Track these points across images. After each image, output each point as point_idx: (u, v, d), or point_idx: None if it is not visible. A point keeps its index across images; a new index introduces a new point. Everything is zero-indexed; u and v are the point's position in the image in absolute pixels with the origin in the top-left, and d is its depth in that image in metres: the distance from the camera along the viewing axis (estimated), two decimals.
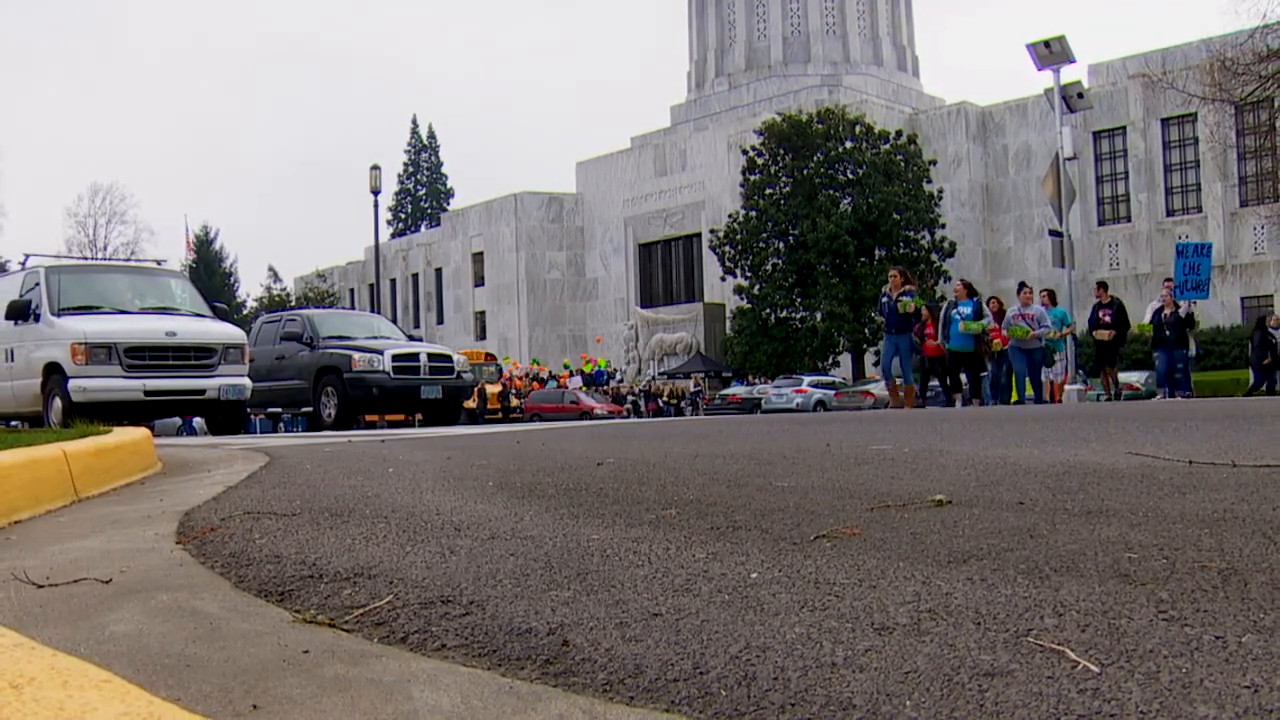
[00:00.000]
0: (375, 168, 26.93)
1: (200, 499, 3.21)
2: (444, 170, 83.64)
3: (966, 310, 14.42)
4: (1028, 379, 15.57)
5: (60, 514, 3.05)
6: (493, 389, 32.38)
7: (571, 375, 41.92)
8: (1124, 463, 3.04)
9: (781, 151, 40.20)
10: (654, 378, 42.67)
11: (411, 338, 16.71)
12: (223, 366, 11.26)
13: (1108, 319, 16.79)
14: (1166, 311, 16.71)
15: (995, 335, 14.89)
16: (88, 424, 5.51)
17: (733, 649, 1.30)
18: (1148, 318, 17.27)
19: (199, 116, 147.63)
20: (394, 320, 34.56)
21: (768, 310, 39.72)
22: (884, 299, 14.08)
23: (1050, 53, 17.35)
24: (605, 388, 40.15)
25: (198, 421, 16.91)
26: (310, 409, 13.77)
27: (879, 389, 27.11)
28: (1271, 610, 1.33)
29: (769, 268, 39.26)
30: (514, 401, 33.48)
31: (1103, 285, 17.56)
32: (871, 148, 39.66)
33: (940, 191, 40.80)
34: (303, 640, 1.50)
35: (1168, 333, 16.67)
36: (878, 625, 1.37)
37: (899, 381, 14.19)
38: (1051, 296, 16.45)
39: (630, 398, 37.51)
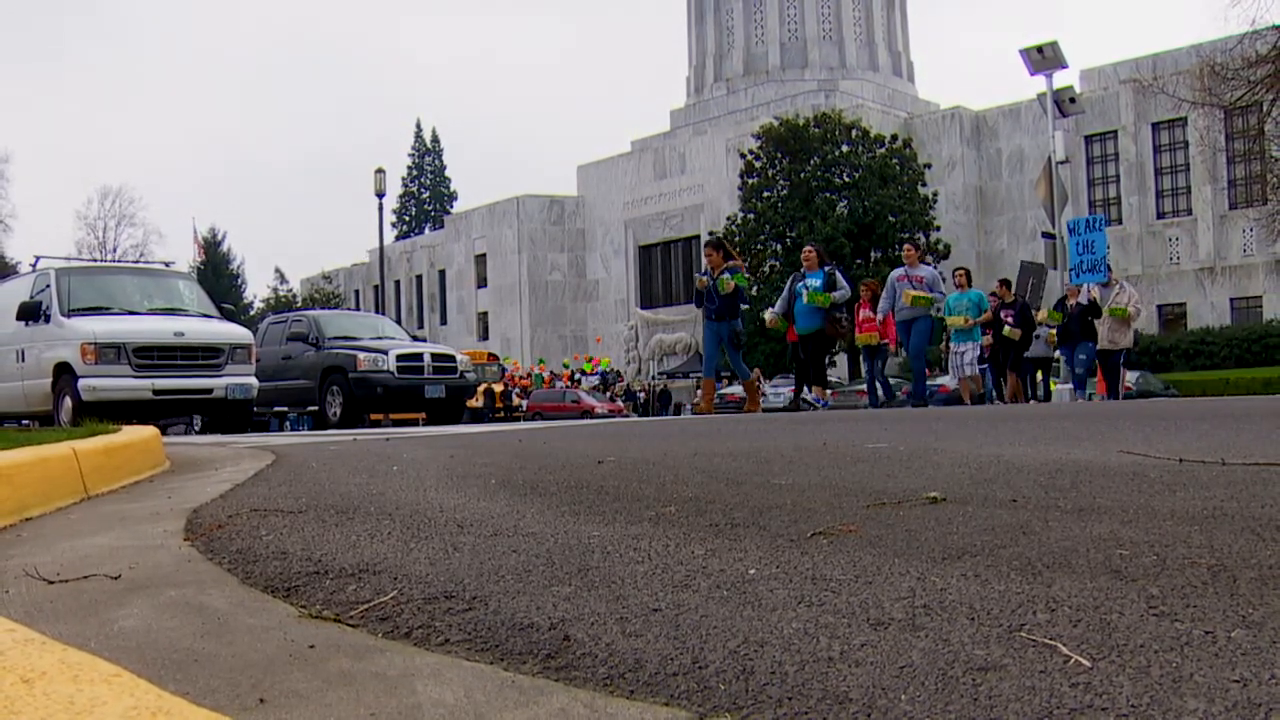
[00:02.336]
0: (380, 171, 26.94)
1: (208, 496, 3.21)
2: (447, 173, 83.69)
3: (815, 282, 11.84)
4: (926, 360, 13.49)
5: (70, 511, 3.05)
6: (499, 389, 32.43)
7: (585, 375, 41.93)
8: (1115, 461, 3.04)
9: (779, 155, 40.21)
10: (654, 377, 42.67)
11: (415, 338, 16.72)
12: (230, 366, 11.26)
13: (1009, 320, 15.15)
14: (1071, 301, 14.75)
15: (870, 328, 12.82)
16: (97, 423, 5.50)
17: (731, 644, 1.30)
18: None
19: (207, 120, 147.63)
20: (398, 321, 34.58)
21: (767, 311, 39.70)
22: (706, 276, 11.42)
23: (1043, 58, 17.36)
24: (615, 388, 40.17)
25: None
26: (316, 408, 13.77)
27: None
28: (1260, 606, 1.33)
29: (767, 269, 39.26)
30: (515, 400, 33.51)
31: (1005, 283, 16.09)
32: (867, 151, 39.68)
33: (935, 194, 40.83)
34: (309, 635, 1.50)
35: (1071, 327, 14.61)
36: (873, 620, 1.37)
37: (751, 379, 12.11)
38: (968, 276, 14.65)
39: (641, 395, 37.57)
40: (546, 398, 35.21)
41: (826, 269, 11.89)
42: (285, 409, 14.85)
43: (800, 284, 11.98)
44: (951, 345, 14.01)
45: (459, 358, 14.44)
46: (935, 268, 14.35)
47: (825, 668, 1.19)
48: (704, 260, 11.68)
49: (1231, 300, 39.69)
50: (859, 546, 1.87)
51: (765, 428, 6.25)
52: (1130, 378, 27.38)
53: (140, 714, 0.86)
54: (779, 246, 39.44)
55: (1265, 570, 1.52)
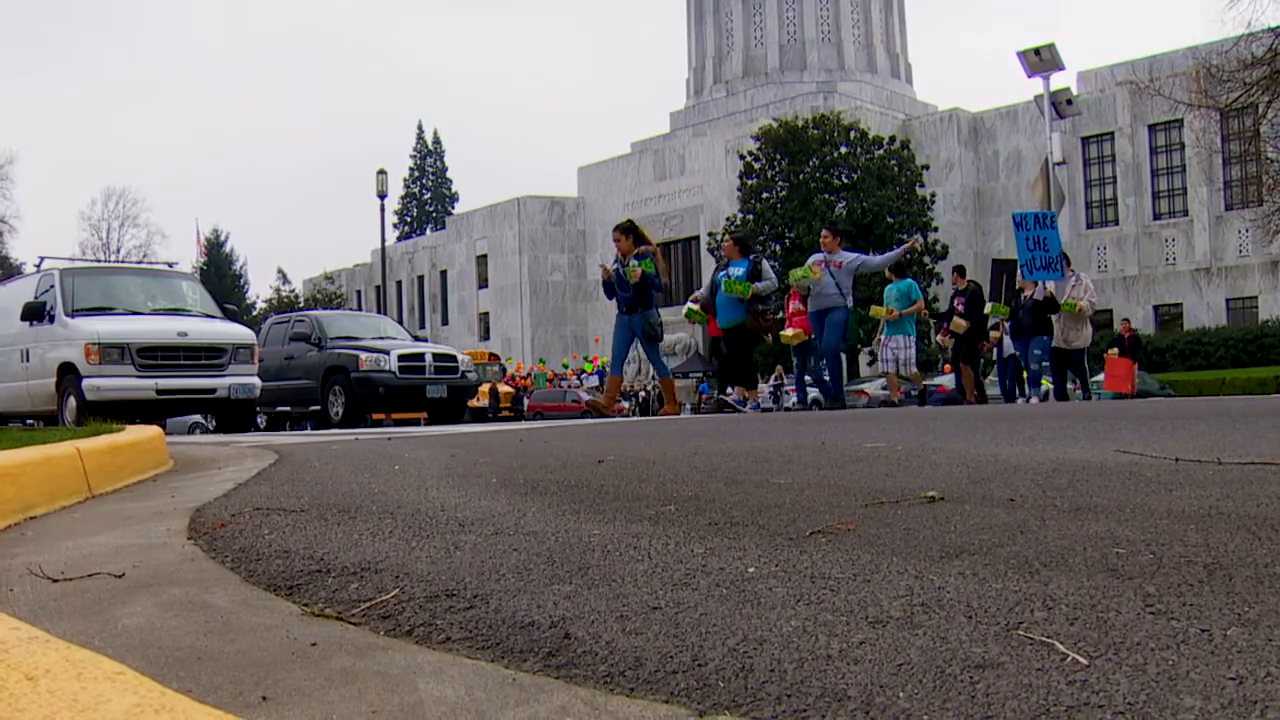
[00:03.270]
0: (382, 172, 26.96)
1: (211, 495, 3.21)
2: (449, 175, 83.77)
3: (737, 271, 10.66)
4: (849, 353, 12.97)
5: (74, 510, 3.05)
6: (505, 389, 32.46)
7: (585, 375, 41.93)
8: (1112, 460, 3.04)
9: (778, 156, 40.23)
10: (653, 377, 42.69)
11: (417, 338, 16.73)
12: (233, 366, 11.27)
13: (961, 308, 14.05)
14: (1025, 294, 13.87)
15: (799, 323, 11.64)
16: (101, 422, 5.51)
17: (730, 642, 1.30)
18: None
19: (210, 122, 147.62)
20: (400, 321, 34.59)
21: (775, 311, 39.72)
22: (615, 265, 10.24)
23: (1040, 60, 17.36)
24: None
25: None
26: (318, 407, 13.77)
27: (873, 388, 26.96)
28: (1256, 604, 1.33)
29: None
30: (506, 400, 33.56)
31: (959, 270, 14.92)
32: (866, 153, 39.70)
33: (933, 195, 40.86)
34: (311, 633, 1.50)
35: (1025, 320, 13.66)
36: (872, 618, 1.37)
37: (670, 377, 10.92)
38: (899, 269, 13.46)
39: (642, 395, 37.62)
40: (547, 397, 35.26)
41: (751, 257, 10.87)
42: (287, 409, 14.87)
43: (722, 273, 10.85)
44: (882, 338, 12.94)
45: (460, 358, 14.45)
46: (865, 254, 13.55)
47: (824, 665, 1.19)
48: (616, 245, 10.39)
49: (1227, 300, 39.70)
50: (857, 545, 1.87)
51: (764, 427, 6.25)
52: None
53: (144, 711, 0.86)
54: (778, 247, 39.45)
55: (1261, 569, 1.52)
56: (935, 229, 39.81)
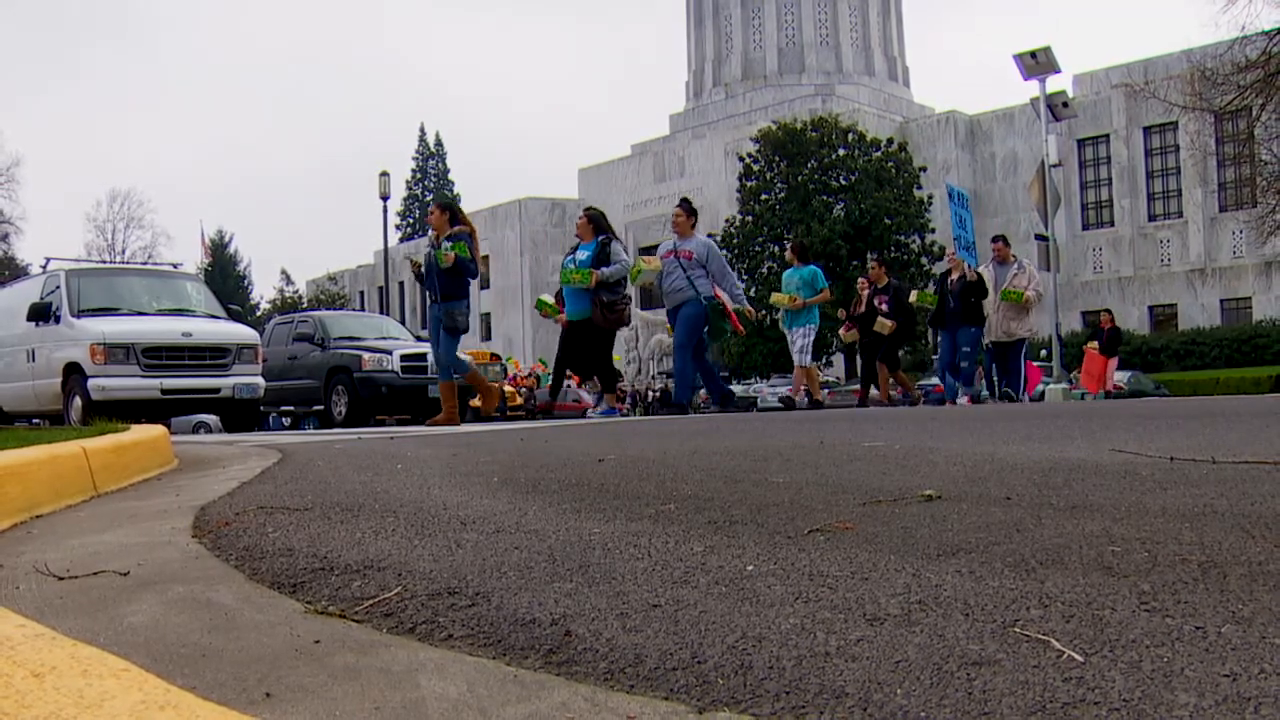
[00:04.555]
0: (384, 174, 26.97)
1: (215, 494, 3.21)
2: (451, 177, 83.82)
3: (583, 255, 9.33)
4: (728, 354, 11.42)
5: (80, 509, 3.05)
6: (509, 389, 32.49)
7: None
8: (1107, 459, 3.04)
9: (777, 159, 40.25)
10: (653, 377, 42.70)
11: (419, 339, 16.72)
12: (237, 366, 11.27)
13: (884, 307, 12.68)
14: (953, 277, 12.48)
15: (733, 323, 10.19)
16: (106, 422, 5.51)
17: (729, 639, 1.30)
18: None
19: (214, 125, 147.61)
20: (402, 322, 34.55)
21: (763, 312, 39.76)
22: (429, 250, 8.92)
23: (1036, 63, 17.38)
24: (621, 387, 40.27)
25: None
26: (322, 407, 13.78)
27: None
28: (1250, 601, 1.33)
29: (764, 271, 39.29)
30: (517, 399, 33.54)
31: (880, 262, 13.81)
32: (864, 155, 39.73)
33: (930, 197, 40.86)
34: (314, 630, 1.50)
35: (951, 304, 12.32)
36: (869, 616, 1.37)
37: (456, 378, 9.36)
38: (801, 251, 12.46)
39: (649, 394, 37.65)
40: (548, 396, 35.24)
41: (600, 239, 9.42)
42: (290, 408, 14.87)
43: (568, 258, 9.55)
44: (784, 330, 11.94)
45: (464, 358, 14.44)
46: (711, 238, 12.20)
47: (822, 662, 1.19)
48: (431, 230, 9.09)
49: (1221, 301, 39.73)
50: (855, 543, 1.87)
51: (763, 427, 6.25)
52: (1122, 377, 27.41)
53: (149, 708, 0.86)
54: (776, 248, 39.48)
55: (1255, 566, 1.52)
56: (933, 230, 39.82)
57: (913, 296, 12.79)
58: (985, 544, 1.80)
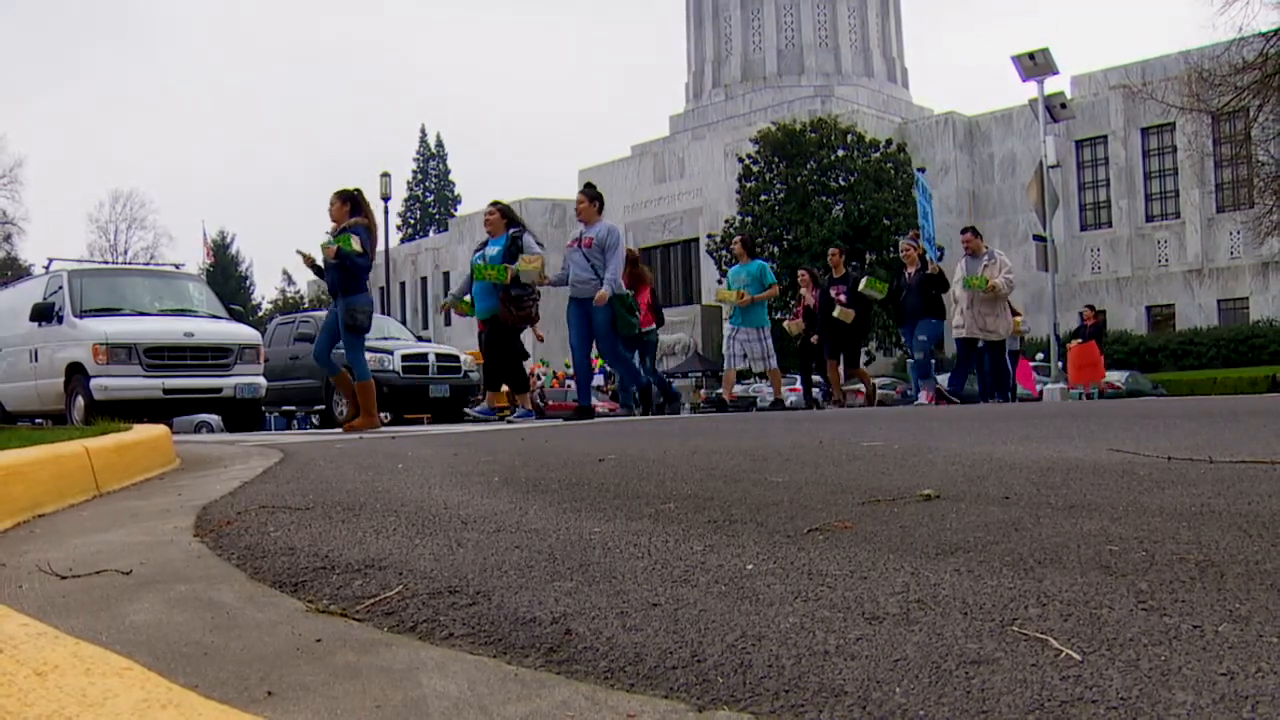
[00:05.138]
0: (385, 175, 26.97)
1: (217, 493, 3.21)
2: (451, 177, 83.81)
3: (494, 251, 8.82)
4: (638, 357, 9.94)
5: (82, 508, 3.05)
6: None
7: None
8: (1105, 459, 3.04)
9: (776, 159, 40.25)
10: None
11: (420, 339, 16.73)
12: (239, 366, 11.27)
13: (841, 298, 11.78)
14: (909, 271, 11.66)
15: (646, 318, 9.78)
16: (109, 421, 5.50)
17: (729, 638, 1.30)
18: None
19: (217, 126, 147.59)
20: (403, 322, 34.57)
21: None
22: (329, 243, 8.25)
23: (1034, 64, 17.38)
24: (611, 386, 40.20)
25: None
26: (323, 407, 13.78)
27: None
28: (1247, 600, 1.33)
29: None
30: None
31: (838, 249, 12.92)
32: (862, 156, 39.74)
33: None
34: (316, 629, 1.50)
35: (908, 301, 11.51)
36: (868, 615, 1.37)
37: (369, 380, 8.32)
38: (747, 245, 11.57)
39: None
40: (552, 396, 35.29)
41: (511, 232, 8.95)
42: (293, 408, 14.86)
43: (478, 254, 9.03)
44: (727, 328, 11.31)
45: (463, 358, 14.45)
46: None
47: (821, 661, 1.19)
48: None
49: (1219, 301, 39.72)
50: (854, 542, 1.87)
51: (763, 426, 6.25)
52: (1119, 377, 27.41)
53: (151, 706, 0.86)
54: (776, 249, 39.47)
55: (1252, 565, 1.52)
56: None
57: (861, 284, 11.78)
58: (984, 543, 1.80)
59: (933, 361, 11.80)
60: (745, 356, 11.17)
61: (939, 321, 11.59)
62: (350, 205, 8.29)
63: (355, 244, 7.98)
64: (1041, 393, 16.96)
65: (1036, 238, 18.81)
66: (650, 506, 2.48)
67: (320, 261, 8.27)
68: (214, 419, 14.59)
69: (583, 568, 1.77)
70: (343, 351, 8.36)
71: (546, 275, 9.12)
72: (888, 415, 7.64)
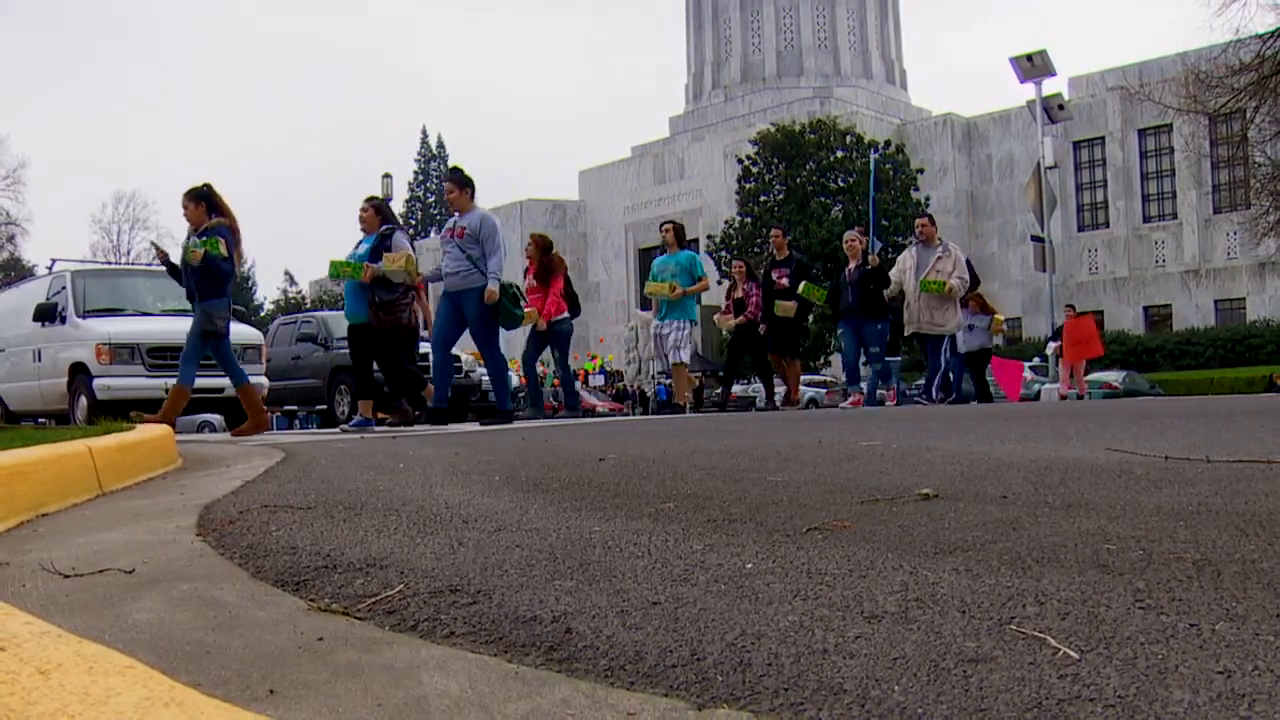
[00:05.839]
0: (387, 176, 27.03)
1: (219, 493, 3.21)
2: None
3: (362, 249, 8.18)
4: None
5: (85, 507, 3.05)
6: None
7: (590, 375, 41.98)
8: (1103, 458, 3.04)
9: (775, 160, 40.28)
10: (653, 377, 42.69)
11: (421, 339, 16.70)
12: (241, 366, 11.26)
13: (784, 282, 10.90)
14: (850, 266, 10.81)
15: (535, 304, 9.13)
16: (112, 421, 5.51)
17: (729, 636, 1.30)
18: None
19: (219, 127, 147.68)
20: None
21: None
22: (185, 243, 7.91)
23: (1032, 66, 17.40)
24: (613, 386, 40.27)
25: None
26: (325, 406, 13.79)
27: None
28: (1244, 599, 1.33)
29: (763, 272, 39.31)
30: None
31: (780, 230, 11.89)
32: (861, 157, 39.74)
33: (927, 199, 40.91)
34: (317, 628, 1.50)
35: (847, 299, 10.65)
36: (867, 614, 1.37)
37: (247, 383, 8.30)
38: (678, 233, 10.41)
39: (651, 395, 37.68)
40: (553, 395, 35.30)
41: (383, 229, 8.20)
42: (295, 408, 14.86)
43: (353, 254, 8.31)
44: (655, 323, 10.58)
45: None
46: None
47: (820, 659, 1.19)
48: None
49: (1215, 302, 39.74)
50: (853, 541, 1.87)
51: (762, 426, 6.25)
52: (1117, 377, 27.40)
53: (153, 705, 0.86)
54: None
55: (1249, 564, 1.52)
56: None
57: (800, 288, 11.03)
58: (982, 542, 1.80)
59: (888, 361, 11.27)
60: (679, 349, 10.47)
61: (885, 324, 10.84)
62: (206, 205, 7.82)
63: (222, 248, 7.59)
64: (1039, 393, 16.96)
65: (1034, 238, 18.83)
66: (650, 506, 2.48)
67: (178, 262, 7.84)
68: (216, 419, 14.61)
69: (583, 566, 1.77)
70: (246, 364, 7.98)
71: (419, 273, 8.37)
72: (886, 415, 7.64)
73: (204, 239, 7.61)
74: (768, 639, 1.28)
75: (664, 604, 1.48)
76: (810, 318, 11.69)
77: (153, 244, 8.07)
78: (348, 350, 13.19)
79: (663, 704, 1.11)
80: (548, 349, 10.79)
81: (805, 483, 2.83)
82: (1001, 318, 13.59)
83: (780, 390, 12.29)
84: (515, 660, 1.29)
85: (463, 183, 8.40)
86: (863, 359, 11.25)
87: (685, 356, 10.49)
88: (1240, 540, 1.70)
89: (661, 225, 10.79)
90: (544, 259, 10.23)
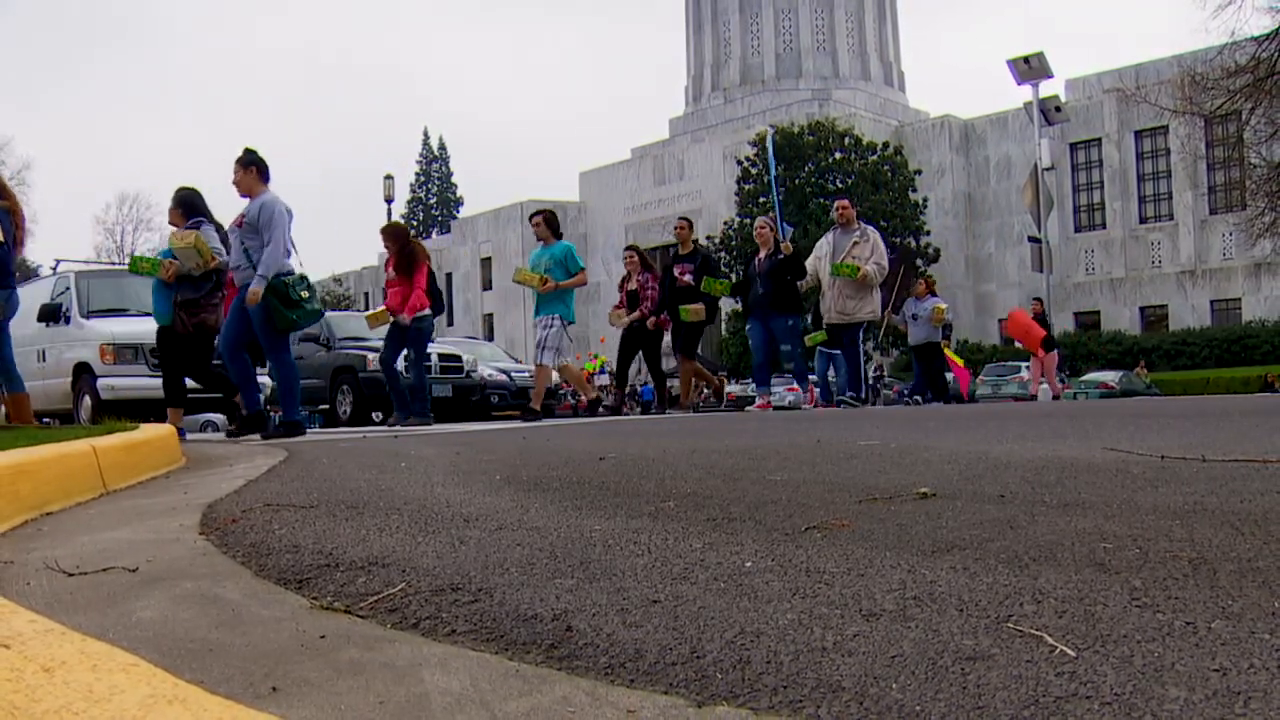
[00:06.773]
0: (389, 177, 27.01)
1: (223, 492, 3.21)
2: (454, 180, 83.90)
3: (166, 247, 7.52)
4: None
5: (89, 506, 3.05)
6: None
7: (594, 373, 42.01)
8: (1100, 458, 3.04)
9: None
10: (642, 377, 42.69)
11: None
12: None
13: (687, 278, 9.99)
14: (760, 255, 10.05)
15: (394, 303, 8.51)
16: (116, 421, 5.50)
17: (728, 634, 1.30)
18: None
19: (222, 128, 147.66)
20: None
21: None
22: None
23: (1029, 68, 17.40)
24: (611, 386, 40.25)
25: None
26: (327, 406, 13.79)
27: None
28: (1239, 598, 1.33)
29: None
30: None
31: (685, 222, 10.80)
32: (860, 158, 39.80)
33: (925, 200, 40.92)
34: (320, 626, 1.50)
35: (757, 293, 9.91)
36: (865, 612, 1.37)
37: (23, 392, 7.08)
38: (550, 223, 9.40)
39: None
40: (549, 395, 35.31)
41: (191, 221, 7.47)
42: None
43: (166, 251, 7.59)
44: (535, 319, 9.67)
45: (465, 358, 14.45)
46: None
47: (819, 657, 1.19)
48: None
49: (1211, 302, 39.73)
50: (852, 540, 1.87)
51: (761, 426, 6.25)
52: (1113, 377, 27.38)
53: (157, 702, 0.86)
54: None
55: (1244, 563, 1.52)
56: (928, 232, 39.88)
57: (701, 285, 10.25)
58: (979, 541, 1.80)
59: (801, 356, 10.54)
60: (549, 348, 9.52)
61: (797, 319, 10.13)
62: (182, 209, 7.33)
63: None
64: (1036, 394, 16.96)
65: (1031, 239, 18.81)
66: (650, 505, 2.48)
67: None
68: (219, 418, 14.62)
69: (583, 565, 1.77)
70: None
71: (214, 258, 7.35)
72: (884, 415, 7.63)
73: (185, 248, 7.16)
74: (767, 637, 1.28)
75: (664, 602, 1.48)
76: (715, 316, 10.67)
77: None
78: (348, 350, 13.18)
79: (662, 701, 1.11)
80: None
81: (804, 482, 2.83)
82: (944, 307, 12.83)
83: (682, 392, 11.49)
84: (516, 658, 1.29)
85: (247, 163, 7.14)
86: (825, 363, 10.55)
87: (549, 359, 9.49)
88: (1236, 539, 1.70)
89: (531, 217, 9.79)
90: (404, 249, 9.18)
